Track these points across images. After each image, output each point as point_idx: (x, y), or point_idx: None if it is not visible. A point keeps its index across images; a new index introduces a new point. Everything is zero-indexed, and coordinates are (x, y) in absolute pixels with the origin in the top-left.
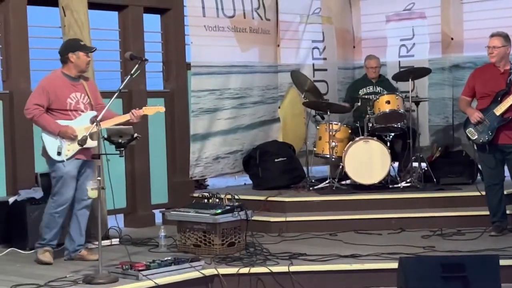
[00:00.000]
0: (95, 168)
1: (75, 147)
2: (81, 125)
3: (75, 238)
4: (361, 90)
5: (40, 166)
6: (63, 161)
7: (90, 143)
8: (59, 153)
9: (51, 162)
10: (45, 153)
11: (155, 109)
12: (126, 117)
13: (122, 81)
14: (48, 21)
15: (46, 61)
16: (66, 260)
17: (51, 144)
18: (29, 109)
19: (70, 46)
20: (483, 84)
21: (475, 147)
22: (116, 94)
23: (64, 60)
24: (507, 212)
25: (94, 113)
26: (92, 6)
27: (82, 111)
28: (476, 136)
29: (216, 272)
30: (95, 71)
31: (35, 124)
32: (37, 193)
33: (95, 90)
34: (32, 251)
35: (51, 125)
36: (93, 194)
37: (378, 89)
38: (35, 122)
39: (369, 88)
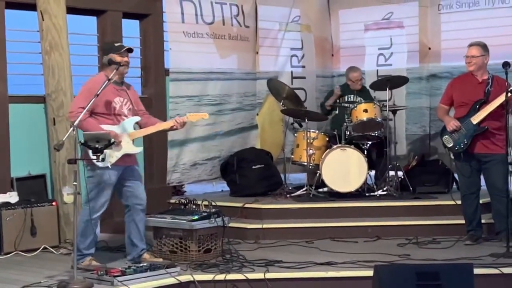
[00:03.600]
0: (137, 171)
1: (118, 153)
2: (126, 130)
3: (138, 244)
4: (341, 98)
5: (16, 171)
6: (107, 167)
7: (133, 149)
8: (103, 159)
9: (91, 168)
10: (86, 158)
11: (199, 116)
12: (170, 123)
13: (101, 86)
14: (26, 25)
15: (23, 65)
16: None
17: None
18: (73, 111)
19: (105, 49)
20: (461, 93)
21: (451, 156)
22: (94, 98)
23: (103, 63)
24: (483, 221)
25: (137, 118)
26: (70, 10)
27: (126, 116)
28: (452, 144)
29: (192, 279)
30: (73, 76)
31: (79, 128)
32: (12, 197)
33: (136, 96)
34: (6, 256)
35: (96, 129)
36: (68, 199)
37: (359, 99)
38: (79, 125)
39: (350, 97)
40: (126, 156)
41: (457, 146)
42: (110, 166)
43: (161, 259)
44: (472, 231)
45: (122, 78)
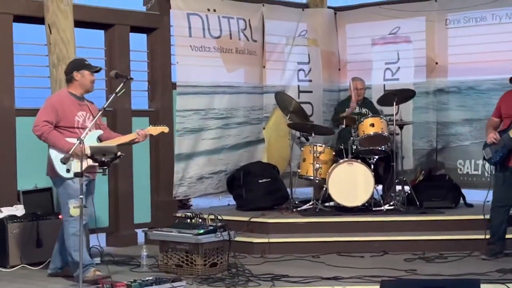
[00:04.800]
0: (93, 188)
1: (84, 164)
2: (88, 143)
3: (63, 255)
4: (346, 111)
5: (23, 184)
6: (72, 178)
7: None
8: (68, 170)
9: (59, 180)
10: (51, 170)
11: (159, 129)
12: (132, 136)
13: (107, 100)
14: (34, 39)
15: (31, 78)
16: (50, 275)
17: (58, 161)
18: (38, 125)
19: (76, 65)
20: (507, 106)
21: (491, 168)
22: (100, 112)
23: (70, 79)
24: (508, 236)
25: (100, 131)
26: (78, 24)
27: (89, 130)
28: (489, 156)
29: None
30: None
31: (44, 141)
32: (19, 210)
33: (97, 111)
34: (12, 269)
35: (61, 142)
36: (75, 212)
37: (364, 110)
38: (44, 139)
39: (355, 109)
40: (93, 168)
41: (494, 159)
42: (74, 176)
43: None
44: (492, 244)
45: (85, 93)
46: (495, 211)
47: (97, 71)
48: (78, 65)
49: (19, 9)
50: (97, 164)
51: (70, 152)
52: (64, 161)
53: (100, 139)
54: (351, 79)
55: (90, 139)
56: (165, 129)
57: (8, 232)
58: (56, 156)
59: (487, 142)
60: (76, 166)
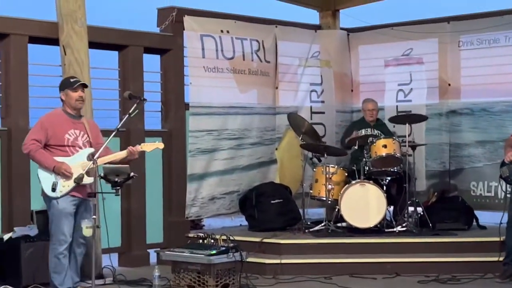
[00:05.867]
0: (90, 207)
1: (71, 183)
2: (77, 161)
3: (73, 276)
4: (353, 133)
5: (36, 204)
6: (57, 197)
7: (86, 180)
8: (53, 189)
9: (47, 199)
10: (42, 190)
11: (153, 146)
12: (123, 154)
13: (121, 120)
14: (48, 60)
15: (45, 98)
16: None
17: (46, 180)
18: (26, 144)
19: (61, 85)
20: None
21: (508, 186)
22: (114, 133)
23: (60, 98)
24: None
25: (91, 150)
26: (92, 45)
27: (80, 148)
28: (506, 175)
29: None
30: (94, 110)
31: (32, 160)
32: (32, 230)
33: (96, 129)
34: None
35: (47, 160)
36: (87, 232)
37: (376, 132)
38: (31, 157)
39: (367, 130)
40: (81, 187)
41: (510, 178)
42: (59, 196)
43: None
44: (507, 264)
45: (75, 111)
46: (510, 230)
47: (82, 86)
48: (62, 84)
49: (34, 31)
50: (87, 183)
51: (54, 171)
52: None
53: (92, 156)
54: (363, 101)
55: (80, 157)
56: (160, 145)
57: (22, 252)
58: (44, 175)
59: (504, 160)
60: (61, 185)
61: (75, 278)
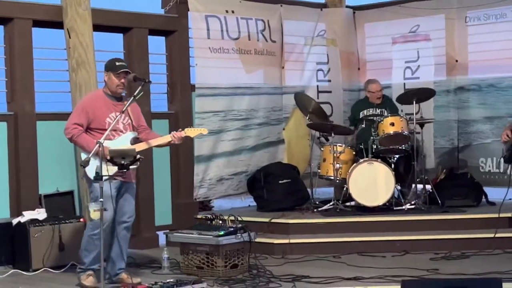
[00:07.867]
0: (134, 189)
1: (114, 168)
2: (120, 145)
3: (116, 261)
4: (361, 112)
5: (44, 188)
6: (99, 180)
7: (133, 165)
8: (97, 173)
9: (90, 182)
10: (85, 173)
11: (197, 131)
12: (167, 138)
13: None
14: (53, 43)
15: (50, 82)
16: (107, 283)
17: (90, 164)
18: (69, 128)
19: (106, 66)
20: None
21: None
22: (120, 115)
23: (103, 80)
24: None
25: (134, 134)
26: (97, 28)
27: (122, 131)
28: (505, 153)
29: None
30: None
31: (75, 144)
32: (41, 214)
33: (138, 112)
34: (34, 272)
35: (89, 144)
36: (95, 215)
37: (379, 111)
38: (74, 141)
39: (369, 111)
40: (126, 172)
41: (504, 156)
42: (103, 179)
43: (139, 279)
44: None
45: (119, 94)
46: None
47: (125, 73)
48: (107, 66)
49: (38, 14)
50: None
51: (90, 155)
52: (84, 164)
53: (135, 140)
54: (366, 82)
55: (123, 141)
56: (204, 131)
57: (31, 236)
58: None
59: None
60: (104, 168)
61: (119, 264)
